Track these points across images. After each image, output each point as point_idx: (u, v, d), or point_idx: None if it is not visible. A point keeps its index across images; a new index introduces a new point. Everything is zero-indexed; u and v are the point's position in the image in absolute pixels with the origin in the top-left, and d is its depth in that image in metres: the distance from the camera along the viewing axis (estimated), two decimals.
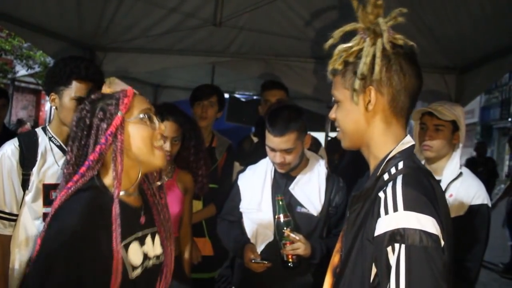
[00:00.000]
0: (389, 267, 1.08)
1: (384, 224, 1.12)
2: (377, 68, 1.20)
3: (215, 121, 3.40)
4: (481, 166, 7.33)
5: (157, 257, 1.56)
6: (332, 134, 7.14)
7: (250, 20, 3.70)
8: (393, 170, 1.23)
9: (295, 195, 2.34)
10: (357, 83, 1.23)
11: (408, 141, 1.29)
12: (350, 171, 2.81)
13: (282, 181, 2.39)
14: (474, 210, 2.22)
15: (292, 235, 2.17)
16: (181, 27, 3.80)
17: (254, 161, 2.99)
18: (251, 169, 2.55)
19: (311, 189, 2.35)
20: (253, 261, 2.23)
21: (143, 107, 1.48)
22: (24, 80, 17.82)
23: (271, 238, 2.30)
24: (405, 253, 1.06)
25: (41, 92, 19.43)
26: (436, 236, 1.08)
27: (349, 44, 1.26)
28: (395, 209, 1.11)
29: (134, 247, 1.45)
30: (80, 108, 1.48)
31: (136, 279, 1.42)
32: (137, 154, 1.45)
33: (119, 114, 1.42)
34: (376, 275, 1.14)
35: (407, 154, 1.27)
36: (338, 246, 1.41)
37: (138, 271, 1.44)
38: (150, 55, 4.24)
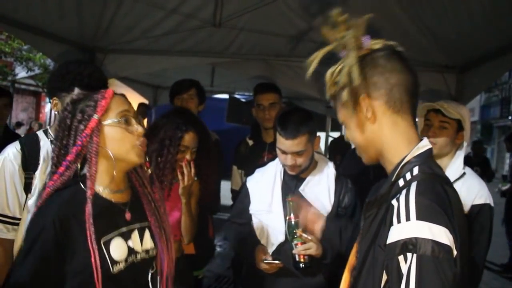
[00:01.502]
0: (400, 275, 1.08)
1: (396, 233, 1.11)
2: (354, 74, 1.21)
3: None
4: (477, 166, 7.24)
5: (147, 251, 1.58)
6: (333, 134, 7.15)
7: (249, 20, 3.70)
8: (408, 176, 1.22)
9: (305, 196, 2.34)
10: (344, 95, 1.23)
11: (425, 144, 1.27)
12: (351, 173, 2.81)
13: (292, 183, 2.39)
14: (476, 210, 2.22)
15: (304, 235, 2.17)
16: (180, 28, 3.81)
17: (250, 163, 2.99)
18: (259, 171, 2.56)
19: (321, 190, 2.36)
20: (265, 261, 2.23)
21: (120, 109, 1.49)
22: (24, 82, 17.84)
23: (282, 239, 2.30)
24: (416, 263, 1.05)
25: (41, 94, 19.47)
26: (448, 246, 1.07)
27: (333, 68, 1.27)
28: (408, 218, 1.10)
29: (117, 243, 1.48)
30: (63, 108, 1.53)
31: (119, 274, 1.45)
32: (114, 155, 1.47)
33: (95, 116, 1.45)
34: (386, 281, 1.14)
35: (423, 159, 1.25)
36: (356, 247, 1.42)
37: (120, 266, 1.46)
38: (150, 56, 4.24)
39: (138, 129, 1.51)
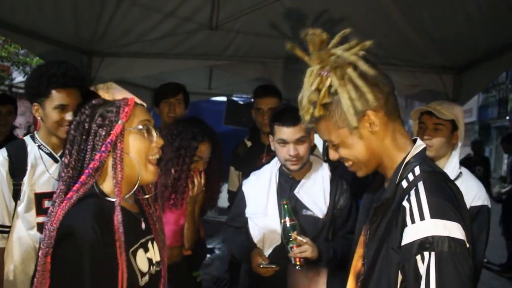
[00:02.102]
0: (418, 275, 1.10)
1: (412, 233, 1.13)
2: (370, 96, 1.20)
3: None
4: (479, 165, 7.24)
5: (158, 263, 1.55)
6: None
7: (246, 23, 3.70)
8: (410, 176, 1.24)
9: (300, 198, 2.35)
10: (354, 120, 1.21)
11: (419, 144, 1.30)
12: (349, 173, 2.80)
13: (287, 185, 2.40)
14: (475, 211, 2.21)
15: (299, 238, 2.17)
16: (177, 31, 3.80)
17: (248, 165, 2.98)
18: (255, 174, 2.56)
19: (316, 192, 2.36)
20: (261, 265, 2.23)
21: (142, 118, 1.45)
22: (22, 86, 17.79)
23: (278, 242, 2.30)
24: (435, 260, 1.08)
25: None
26: (463, 241, 1.11)
27: (314, 88, 1.24)
28: (422, 217, 1.13)
29: (141, 254, 1.44)
30: (80, 112, 1.47)
31: (145, 286, 1.41)
32: (132, 164, 1.43)
33: (120, 122, 1.40)
34: (402, 282, 1.16)
35: (421, 158, 1.28)
36: (360, 251, 1.42)
37: (146, 278, 1.43)
38: (147, 59, 4.24)
39: (158, 140, 1.47)
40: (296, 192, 2.35)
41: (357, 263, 1.41)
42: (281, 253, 2.27)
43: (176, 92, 3.30)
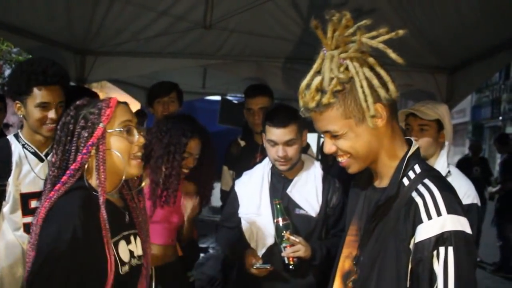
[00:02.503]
0: (432, 270, 1.12)
1: (428, 229, 1.15)
2: (391, 86, 1.19)
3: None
4: (476, 166, 7.27)
5: (139, 257, 1.61)
6: None
7: (240, 22, 3.69)
8: (411, 174, 1.26)
9: (293, 197, 2.35)
10: (372, 108, 1.19)
11: (415, 144, 1.33)
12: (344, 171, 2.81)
13: (279, 185, 2.39)
14: (465, 210, 2.22)
15: (292, 237, 2.18)
16: (171, 30, 3.79)
17: (242, 164, 2.98)
18: (247, 174, 2.56)
19: (308, 191, 2.36)
20: (255, 266, 2.23)
21: (123, 119, 1.51)
22: None
23: (271, 241, 2.30)
24: (453, 255, 1.11)
25: None
26: (472, 236, 1.15)
27: (326, 75, 1.21)
28: (439, 213, 1.15)
29: (122, 245, 1.51)
30: (66, 112, 1.53)
31: (125, 275, 1.47)
32: (116, 162, 1.49)
33: (101, 125, 1.46)
34: (410, 278, 1.17)
35: (418, 157, 1.30)
36: (346, 251, 1.41)
37: (126, 268, 1.49)
38: (140, 58, 4.22)
39: (139, 139, 1.53)
40: (288, 191, 2.35)
41: (343, 264, 1.41)
42: (274, 253, 2.27)
43: (169, 91, 3.29)
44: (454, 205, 1.17)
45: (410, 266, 1.17)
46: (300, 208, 2.33)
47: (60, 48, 3.83)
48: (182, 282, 2.61)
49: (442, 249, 1.11)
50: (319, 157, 6.32)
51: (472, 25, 2.98)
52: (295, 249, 2.17)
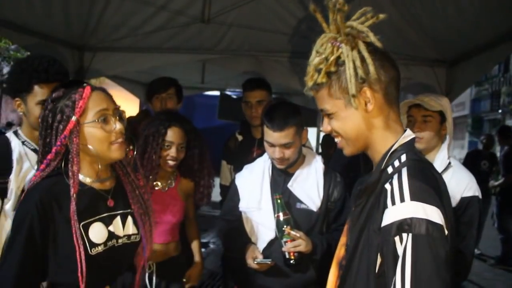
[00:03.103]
0: (396, 256, 1.11)
1: (392, 215, 1.14)
2: (371, 68, 1.22)
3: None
4: (485, 160, 7.22)
5: (128, 236, 1.64)
6: None
7: (238, 16, 3.69)
8: (396, 163, 1.26)
9: (294, 192, 2.34)
10: (354, 88, 1.23)
11: (409, 134, 1.32)
12: (341, 165, 2.81)
13: (280, 179, 2.39)
14: (465, 202, 2.23)
15: (292, 232, 2.17)
16: (169, 25, 3.78)
17: (239, 158, 2.97)
18: (248, 168, 2.55)
19: (310, 185, 2.35)
20: (256, 261, 2.23)
21: (98, 109, 1.52)
22: None
23: (272, 236, 2.29)
24: (411, 242, 1.08)
25: None
26: (441, 225, 1.11)
27: (323, 56, 1.27)
28: (402, 199, 1.14)
29: (97, 227, 1.55)
30: (45, 105, 1.56)
31: (97, 255, 1.51)
32: (95, 152, 1.54)
33: (73, 118, 1.49)
34: (381, 264, 1.17)
35: (409, 147, 1.30)
36: (343, 239, 1.43)
37: (99, 248, 1.53)
38: (139, 54, 4.21)
39: (116, 127, 1.54)
40: (289, 185, 2.35)
41: (339, 251, 1.42)
42: (275, 248, 2.27)
43: (167, 86, 3.29)
44: (422, 193, 1.14)
45: (379, 253, 1.17)
46: (301, 202, 2.33)
47: (58, 44, 3.82)
48: (183, 274, 2.61)
49: (404, 235, 1.10)
50: (320, 151, 6.33)
51: (471, 18, 2.97)
52: (296, 244, 2.17)
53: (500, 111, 20.20)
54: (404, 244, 1.09)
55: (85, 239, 1.50)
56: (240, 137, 3.46)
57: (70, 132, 1.49)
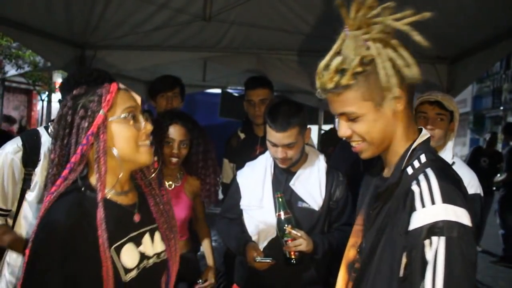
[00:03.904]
0: (424, 260, 1.10)
1: (422, 217, 1.13)
2: (416, 68, 1.18)
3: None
4: (485, 157, 7.28)
5: (158, 255, 1.49)
6: (325, 127, 7.16)
7: (240, 14, 3.68)
8: (416, 164, 1.24)
9: (296, 190, 2.33)
10: (396, 89, 1.18)
11: (425, 133, 1.30)
12: (341, 163, 2.81)
13: (282, 177, 2.37)
14: (466, 202, 2.23)
15: (293, 231, 2.16)
16: (171, 23, 3.78)
17: (241, 157, 2.97)
18: (249, 165, 2.53)
19: (312, 184, 2.34)
20: (256, 260, 2.22)
21: (127, 105, 1.38)
22: (15, 80, 17.67)
23: (273, 235, 2.29)
24: (444, 246, 1.08)
25: (32, 92, 19.29)
26: (470, 227, 1.11)
27: (348, 56, 1.19)
28: (433, 202, 1.13)
29: (128, 249, 1.38)
30: (62, 104, 1.39)
31: (131, 282, 1.35)
32: (121, 154, 1.36)
33: (101, 112, 1.33)
34: (406, 267, 1.15)
35: (426, 147, 1.28)
36: (352, 240, 1.41)
37: (133, 273, 1.37)
38: (140, 52, 4.21)
39: (146, 126, 1.39)
40: (291, 184, 2.33)
41: (348, 253, 1.40)
42: (276, 246, 2.26)
43: (173, 85, 3.31)
44: (452, 195, 1.14)
45: (404, 256, 1.16)
46: (303, 201, 2.31)
47: (60, 42, 3.82)
48: (194, 271, 2.63)
49: (434, 239, 1.09)
50: (319, 149, 6.32)
51: (472, 14, 2.97)
52: (297, 243, 2.16)
53: (501, 108, 20.15)
54: (435, 247, 1.09)
55: (119, 264, 1.33)
56: (242, 135, 3.46)
57: (97, 129, 1.31)
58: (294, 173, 2.36)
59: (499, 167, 7.33)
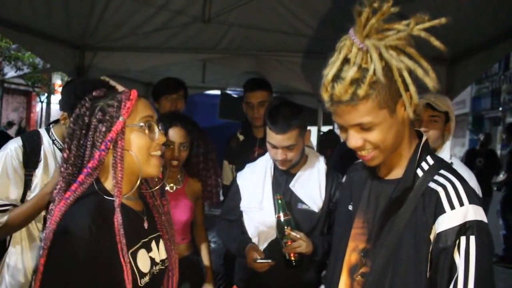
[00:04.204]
0: (452, 259, 1.14)
1: (451, 219, 1.16)
2: (433, 75, 1.19)
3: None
4: (480, 157, 7.42)
5: (163, 261, 1.50)
6: (324, 129, 7.17)
7: (239, 15, 3.69)
8: (425, 166, 1.27)
9: (295, 192, 2.33)
10: (416, 97, 1.19)
11: (425, 135, 1.34)
12: (340, 164, 2.81)
13: (282, 179, 2.37)
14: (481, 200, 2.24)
15: (292, 233, 2.16)
16: (170, 25, 3.79)
17: (241, 158, 2.97)
18: (250, 167, 2.53)
19: (312, 186, 2.34)
20: (257, 261, 2.23)
21: (145, 114, 1.39)
22: (14, 81, 17.69)
23: (273, 236, 2.29)
24: (475, 244, 1.13)
25: (31, 93, 19.31)
26: (487, 224, 1.17)
27: (360, 66, 1.17)
28: (461, 203, 1.17)
29: (142, 254, 1.39)
30: (80, 104, 1.39)
31: (145, 286, 1.36)
32: (134, 161, 1.36)
33: (121, 119, 1.33)
34: (430, 269, 1.18)
35: (429, 149, 1.32)
36: (353, 244, 1.39)
37: (147, 278, 1.38)
38: (140, 53, 4.22)
39: (160, 137, 1.40)
40: (291, 185, 2.34)
41: (350, 257, 1.39)
42: (276, 248, 2.26)
43: (177, 88, 3.33)
44: (474, 195, 1.18)
45: (429, 257, 1.18)
46: (303, 203, 2.31)
47: (59, 44, 3.83)
48: (196, 273, 2.63)
49: (463, 239, 1.13)
50: (318, 150, 6.32)
51: (471, 15, 2.97)
52: (296, 245, 2.16)
53: (500, 109, 20.17)
54: (464, 246, 1.13)
55: (135, 268, 1.33)
56: (241, 137, 3.47)
57: (116, 135, 1.32)
58: (294, 175, 2.36)
59: (496, 166, 7.43)
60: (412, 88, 1.18)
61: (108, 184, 1.37)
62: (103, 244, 1.25)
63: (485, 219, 1.16)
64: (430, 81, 1.16)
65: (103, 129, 1.33)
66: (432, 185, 1.21)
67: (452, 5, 2.97)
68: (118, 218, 1.28)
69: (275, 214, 2.23)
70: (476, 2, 2.82)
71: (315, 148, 3.74)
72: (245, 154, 3.13)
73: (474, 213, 1.15)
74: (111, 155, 1.34)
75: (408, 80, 1.17)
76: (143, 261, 1.38)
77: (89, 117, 1.35)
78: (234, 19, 3.75)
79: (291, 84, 4.41)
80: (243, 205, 2.42)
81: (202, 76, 6.01)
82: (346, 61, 1.19)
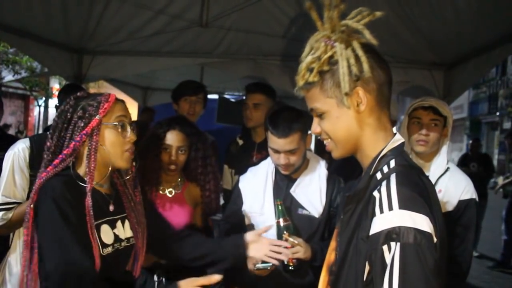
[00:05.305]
0: (384, 265, 1.10)
1: (380, 223, 1.13)
2: (366, 66, 1.20)
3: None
4: (473, 162, 7.53)
5: (128, 239, 1.70)
6: None
7: (237, 20, 3.70)
8: (385, 169, 1.24)
9: (296, 197, 2.32)
10: (347, 86, 1.21)
11: (399, 138, 1.30)
12: (343, 170, 2.81)
13: (283, 184, 2.36)
14: (463, 205, 2.24)
15: (290, 239, 2.15)
16: (168, 29, 3.79)
17: (240, 163, 2.96)
18: (252, 171, 2.52)
19: (312, 191, 2.33)
20: (256, 266, 2.21)
21: (119, 114, 1.62)
22: (12, 85, 17.66)
23: None
24: (399, 251, 1.07)
25: (29, 97, 19.29)
26: (430, 234, 1.09)
27: (316, 55, 1.25)
28: (390, 208, 1.12)
29: (105, 228, 1.60)
30: (65, 101, 1.62)
31: (107, 256, 1.57)
32: (107, 155, 1.60)
33: (97, 117, 1.56)
34: (369, 273, 1.15)
35: (398, 152, 1.28)
36: (333, 244, 1.41)
37: (109, 249, 1.59)
38: (137, 57, 4.23)
39: (131, 136, 1.63)
40: (292, 191, 2.33)
41: (329, 256, 1.41)
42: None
43: (197, 90, 3.33)
44: (410, 201, 1.13)
45: (366, 261, 1.16)
46: (303, 208, 2.30)
47: (57, 48, 3.83)
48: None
49: (392, 244, 1.08)
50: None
51: (468, 21, 2.99)
52: (294, 250, 2.15)
53: (497, 113, 20.26)
54: (392, 253, 1.08)
55: (97, 238, 1.54)
56: (241, 142, 3.47)
57: (91, 130, 1.55)
58: (295, 180, 2.35)
59: (489, 170, 7.59)
60: (345, 78, 1.21)
61: (81, 171, 1.60)
62: (74, 209, 1.49)
63: (420, 226, 1.09)
64: (357, 69, 1.20)
65: (81, 124, 1.56)
66: (376, 189, 1.20)
67: (450, 10, 2.98)
68: (88, 202, 1.51)
69: (275, 219, 2.23)
70: (473, 8, 2.83)
71: (313, 151, 3.73)
72: (245, 159, 3.13)
73: (403, 219, 1.09)
74: (87, 147, 1.57)
75: (345, 70, 1.21)
76: (105, 235, 1.60)
77: (71, 114, 1.58)
78: (231, 23, 3.75)
79: (288, 89, 4.41)
80: (244, 210, 2.42)
81: (200, 80, 6.01)
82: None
